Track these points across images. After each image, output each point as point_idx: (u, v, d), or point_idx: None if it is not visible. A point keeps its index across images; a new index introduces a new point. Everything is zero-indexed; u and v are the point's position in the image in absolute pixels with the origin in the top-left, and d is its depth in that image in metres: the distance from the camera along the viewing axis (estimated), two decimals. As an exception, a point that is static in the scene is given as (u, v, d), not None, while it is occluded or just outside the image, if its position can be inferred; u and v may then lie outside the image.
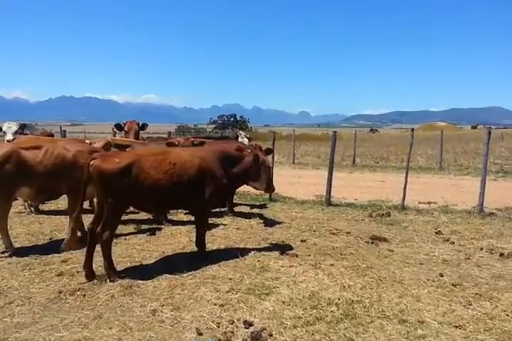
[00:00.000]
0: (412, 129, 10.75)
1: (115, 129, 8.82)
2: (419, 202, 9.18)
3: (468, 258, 5.48)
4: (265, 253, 5.65)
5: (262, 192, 6.48)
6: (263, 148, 6.04)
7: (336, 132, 9.00)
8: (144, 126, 8.46)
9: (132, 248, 5.98)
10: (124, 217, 7.64)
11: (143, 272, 4.99)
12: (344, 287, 4.52)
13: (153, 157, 4.87)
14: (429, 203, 9.26)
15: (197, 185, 5.05)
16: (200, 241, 5.56)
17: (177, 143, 7.14)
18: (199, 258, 5.39)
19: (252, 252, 5.67)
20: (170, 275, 4.86)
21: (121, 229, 6.98)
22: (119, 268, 5.12)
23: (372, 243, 6.12)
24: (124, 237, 6.44)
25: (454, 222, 7.35)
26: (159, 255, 5.67)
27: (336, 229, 6.88)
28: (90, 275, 4.80)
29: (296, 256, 5.52)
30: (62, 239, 5.57)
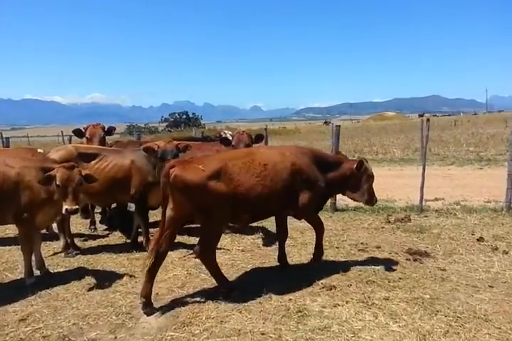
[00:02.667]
0: (422, 115, 9.86)
1: (74, 136, 7.16)
2: (426, 200, 8.26)
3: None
4: (291, 285, 4.38)
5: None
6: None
7: (339, 126, 7.82)
8: (110, 131, 6.95)
9: (114, 291, 4.50)
10: (97, 243, 6.21)
11: (133, 329, 3.59)
12: (423, 335, 3.35)
13: (240, 160, 4.21)
14: (436, 200, 8.38)
15: (291, 189, 4.37)
16: (319, 248, 4.98)
17: (156, 147, 5.66)
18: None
19: (274, 285, 4.38)
20: (173, 334, 3.50)
21: (92, 261, 5.46)
22: (100, 324, 3.71)
23: (414, 260, 5.02)
24: (99, 275, 4.91)
25: (486, 224, 6.43)
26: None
27: (362, 244, 5.72)
28: (149, 306, 3.98)
29: (334, 287, 4.29)
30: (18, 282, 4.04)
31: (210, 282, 4.60)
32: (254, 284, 4.45)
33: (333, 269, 4.78)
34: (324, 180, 4.59)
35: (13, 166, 4.46)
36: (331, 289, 4.26)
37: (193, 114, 79.92)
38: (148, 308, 3.95)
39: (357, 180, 4.76)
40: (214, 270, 4.27)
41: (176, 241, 6.05)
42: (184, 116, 78.89)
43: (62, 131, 18.96)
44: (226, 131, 8.39)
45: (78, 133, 6.98)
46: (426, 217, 7.06)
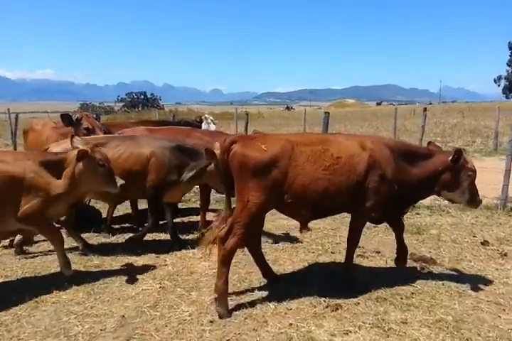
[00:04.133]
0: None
1: (62, 123, 6.02)
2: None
3: None
4: (291, 306, 3.65)
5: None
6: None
7: (328, 114, 7.03)
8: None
9: (68, 312, 3.60)
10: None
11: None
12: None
13: (309, 147, 3.65)
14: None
15: (361, 187, 3.70)
16: (349, 259, 4.07)
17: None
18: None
19: (270, 305, 3.64)
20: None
21: (39, 267, 4.47)
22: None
23: (421, 268, 4.44)
24: (48, 289, 3.96)
25: (484, 224, 5.98)
26: (116, 323, 3.41)
27: (359, 247, 5.07)
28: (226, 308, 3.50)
29: (340, 307, 3.60)
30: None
31: (189, 299, 3.80)
32: (244, 300, 3.70)
33: (333, 281, 4.10)
34: (409, 179, 3.87)
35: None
36: (336, 309, 3.58)
37: (152, 94, 77.83)
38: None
39: (454, 176, 3.95)
40: (225, 267, 3.59)
41: (144, 242, 5.23)
42: (142, 97, 76.36)
43: (8, 109, 16.95)
44: (207, 116, 7.42)
45: (68, 119, 5.92)
46: (418, 214, 6.54)
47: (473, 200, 4.05)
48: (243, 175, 3.51)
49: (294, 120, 41.93)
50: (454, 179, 3.96)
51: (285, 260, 4.71)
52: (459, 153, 3.91)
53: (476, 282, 4.10)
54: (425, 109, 7.02)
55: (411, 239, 5.33)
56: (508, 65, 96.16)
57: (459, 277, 4.25)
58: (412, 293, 3.87)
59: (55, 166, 4.01)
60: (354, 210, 3.93)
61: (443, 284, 4.06)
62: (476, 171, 4.07)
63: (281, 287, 3.99)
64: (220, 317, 3.44)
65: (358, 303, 3.68)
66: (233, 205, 3.76)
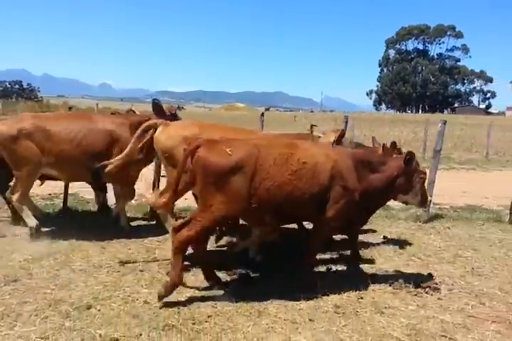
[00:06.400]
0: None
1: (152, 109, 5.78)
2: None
3: None
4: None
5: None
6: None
7: (262, 114, 6.39)
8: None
9: None
10: None
11: None
12: None
13: (277, 150, 3.69)
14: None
15: (321, 196, 3.79)
16: (307, 264, 4.23)
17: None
18: None
19: None
20: None
21: None
22: None
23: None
24: None
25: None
26: None
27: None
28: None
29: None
30: None
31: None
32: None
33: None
34: (368, 189, 3.96)
35: None
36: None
37: (29, 84, 71.95)
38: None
39: (408, 179, 4.09)
40: (175, 257, 3.61)
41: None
42: (17, 86, 70.07)
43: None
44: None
45: (159, 107, 5.78)
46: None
47: (424, 201, 4.29)
48: (207, 179, 3.51)
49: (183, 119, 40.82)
50: (408, 182, 4.10)
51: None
52: (411, 156, 3.99)
53: (280, 297, 3.89)
54: (262, 114, 6.89)
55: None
56: (378, 81, 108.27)
57: (264, 293, 3.99)
58: (209, 316, 3.48)
59: None
60: (316, 219, 4.02)
61: (246, 302, 3.76)
62: (425, 172, 4.35)
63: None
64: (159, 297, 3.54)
65: (140, 335, 3.16)
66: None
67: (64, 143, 5.04)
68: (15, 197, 5.06)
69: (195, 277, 4.24)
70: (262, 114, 8.63)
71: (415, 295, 4.06)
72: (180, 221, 3.73)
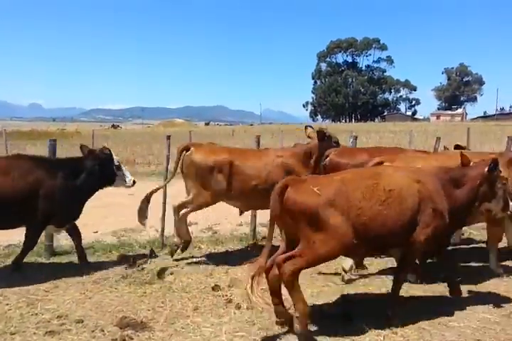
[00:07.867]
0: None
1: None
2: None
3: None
4: None
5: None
6: None
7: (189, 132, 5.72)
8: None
9: None
10: None
11: None
12: None
13: (362, 182, 3.62)
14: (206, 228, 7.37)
15: (412, 220, 3.65)
16: (394, 297, 3.97)
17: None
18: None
19: None
20: None
21: None
22: None
23: (129, 338, 3.58)
24: None
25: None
26: None
27: (59, 317, 3.95)
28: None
29: None
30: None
31: None
32: None
33: None
34: (455, 206, 3.85)
35: None
36: None
37: None
38: None
39: (491, 186, 3.92)
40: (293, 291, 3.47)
41: None
42: None
43: None
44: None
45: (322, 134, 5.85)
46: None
47: (507, 206, 4.04)
48: (300, 220, 3.47)
49: (115, 139, 39.21)
50: (491, 188, 3.93)
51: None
52: (495, 162, 3.83)
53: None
54: (168, 137, 6.48)
55: (131, 295, 4.48)
56: (313, 93, 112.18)
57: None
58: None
59: None
60: (407, 245, 3.83)
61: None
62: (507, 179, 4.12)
63: None
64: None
65: None
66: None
67: None
68: None
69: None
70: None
71: None
72: (280, 256, 3.57)
